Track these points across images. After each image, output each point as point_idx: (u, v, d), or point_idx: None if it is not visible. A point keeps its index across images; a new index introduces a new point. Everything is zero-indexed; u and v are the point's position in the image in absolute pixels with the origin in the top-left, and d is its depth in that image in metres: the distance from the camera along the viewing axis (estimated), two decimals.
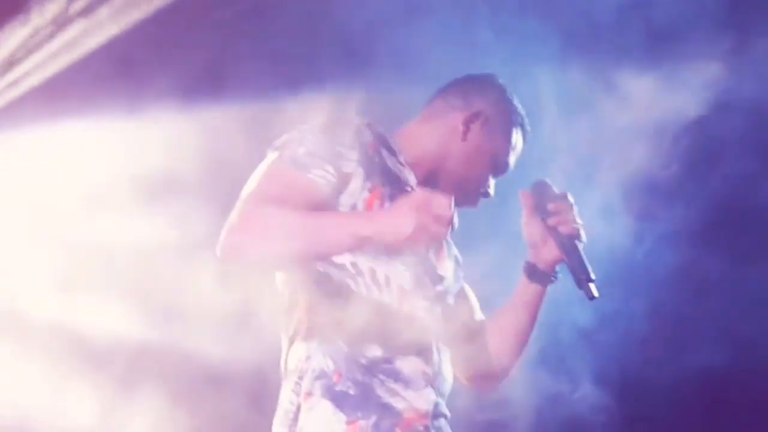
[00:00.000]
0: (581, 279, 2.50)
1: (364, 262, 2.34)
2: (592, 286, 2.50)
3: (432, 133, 2.54)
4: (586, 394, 4.79)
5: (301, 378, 2.33)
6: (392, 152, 2.46)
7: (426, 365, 2.37)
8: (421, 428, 2.34)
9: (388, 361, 2.33)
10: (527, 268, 2.64)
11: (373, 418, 2.28)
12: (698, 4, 4.20)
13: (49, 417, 4.79)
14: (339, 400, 2.28)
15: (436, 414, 2.40)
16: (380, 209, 2.30)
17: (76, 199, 4.68)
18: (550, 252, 2.58)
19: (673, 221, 4.53)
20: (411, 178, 2.46)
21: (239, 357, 4.64)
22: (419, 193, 2.21)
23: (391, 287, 2.35)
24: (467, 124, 2.53)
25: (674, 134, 4.51)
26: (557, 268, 2.63)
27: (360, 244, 2.22)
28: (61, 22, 4.29)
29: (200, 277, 4.26)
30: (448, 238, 2.57)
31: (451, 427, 2.48)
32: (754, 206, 4.46)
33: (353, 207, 2.32)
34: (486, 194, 2.57)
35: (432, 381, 2.38)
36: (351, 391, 2.29)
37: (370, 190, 2.34)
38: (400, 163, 2.46)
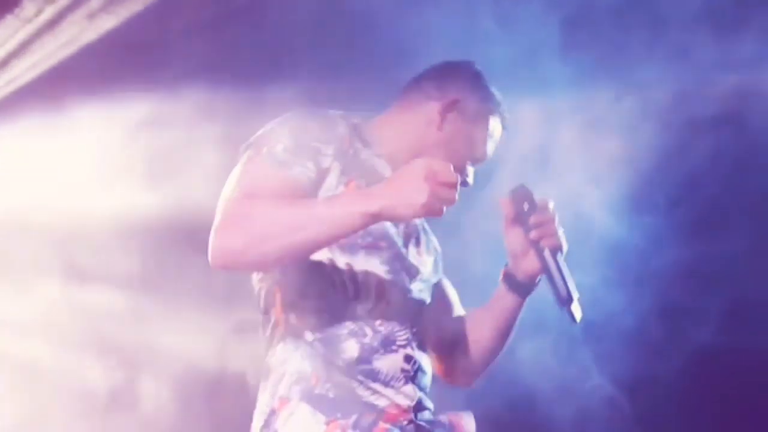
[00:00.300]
0: (562, 298, 2.36)
1: (341, 258, 2.29)
2: (575, 307, 2.37)
3: (407, 123, 2.47)
4: (595, 385, 4.78)
5: (278, 381, 2.30)
6: (367, 144, 2.40)
7: (405, 362, 2.33)
8: (405, 422, 2.29)
9: (365, 361, 2.28)
10: (506, 278, 2.53)
11: (354, 417, 2.24)
12: None
13: None
14: (318, 402, 2.24)
15: (420, 408, 2.35)
16: (380, 184, 2.18)
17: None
18: (530, 264, 2.46)
19: (681, 215, 4.50)
20: (387, 171, 2.39)
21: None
22: (421, 162, 2.11)
23: (369, 283, 2.30)
24: (443, 113, 2.45)
25: (680, 125, 4.49)
26: (537, 280, 2.50)
27: (369, 222, 2.13)
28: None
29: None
30: (427, 227, 2.54)
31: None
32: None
33: None
34: (465, 183, 2.46)
35: (412, 377, 2.34)
36: (330, 394, 2.26)
37: (346, 184, 2.29)
38: (376, 156, 2.41)
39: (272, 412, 2.27)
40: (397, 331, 2.32)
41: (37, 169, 4.77)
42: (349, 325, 2.28)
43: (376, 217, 2.11)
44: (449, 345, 2.59)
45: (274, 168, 2.23)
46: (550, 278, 2.39)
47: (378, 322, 2.30)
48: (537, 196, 2.42)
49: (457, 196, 2.11)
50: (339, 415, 2.23)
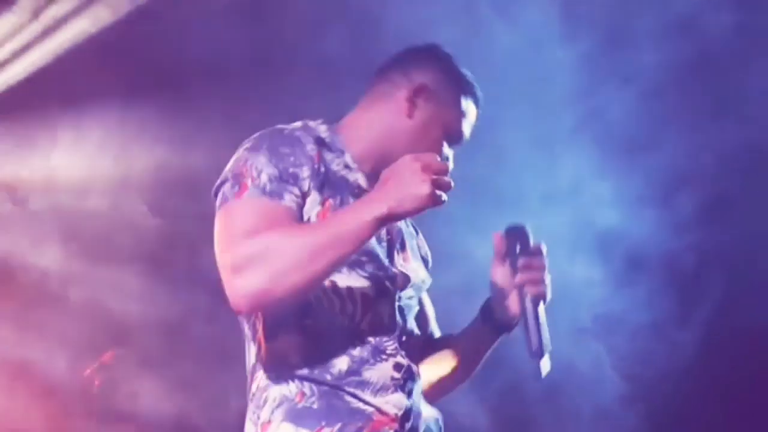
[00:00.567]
0: (533, 350, 2.28)
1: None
2: (544, 361, 2.29)
3: (377, 117, 2.40)
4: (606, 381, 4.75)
5: (259, 407, 2.27)
6: (338, 152, 2.36)
7: (395, 370, 2.30)
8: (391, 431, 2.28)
9: (355, 373, 2.26)
10: (484, 311, 2.47)
11: (338, 425, 2.21)
12: None
13: None
14: (300, 417, 2.22)
15: (408, 416, 2.32)
16: (378, 186, 2.18)
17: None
18: (511, 305, 2.40)
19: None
20: (359, 178, 2.35)
21: None
22: (409, 157, 2.14)
23: (354, 297, 2.27)
24: (411, 99, 2.38)
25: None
26: (515, 322, 2.42)
27: (381, 226, 2.15)
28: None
29: None
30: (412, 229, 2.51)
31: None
32: None
33: (308, 221, 2.26)
34: (446, 171, 2.41)
35: (402, 385, 2.31)
36: (314, 405, 2.23)
37: (322, 203, 2.27)
38: (347, 165, 2.36)
39: None
40: (386, 341, 2.30)
41: None
42: (336, 340, 2.26)
43: (387, 219, 2.13)
44: (422, 359, 2.50)
45: (264, 200, 2.21)
46: (526, 326, 2.33)
47: (366, 333, 2.28)
48: (533, 240, 2.37)
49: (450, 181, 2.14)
50: (324, 423, 2.21)
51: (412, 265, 2.42)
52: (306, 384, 2.25)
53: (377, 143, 2.39)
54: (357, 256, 2.24)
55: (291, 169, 2.24)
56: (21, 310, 4.84)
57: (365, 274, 2.27)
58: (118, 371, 4.75)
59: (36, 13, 4.42)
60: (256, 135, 2.32)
